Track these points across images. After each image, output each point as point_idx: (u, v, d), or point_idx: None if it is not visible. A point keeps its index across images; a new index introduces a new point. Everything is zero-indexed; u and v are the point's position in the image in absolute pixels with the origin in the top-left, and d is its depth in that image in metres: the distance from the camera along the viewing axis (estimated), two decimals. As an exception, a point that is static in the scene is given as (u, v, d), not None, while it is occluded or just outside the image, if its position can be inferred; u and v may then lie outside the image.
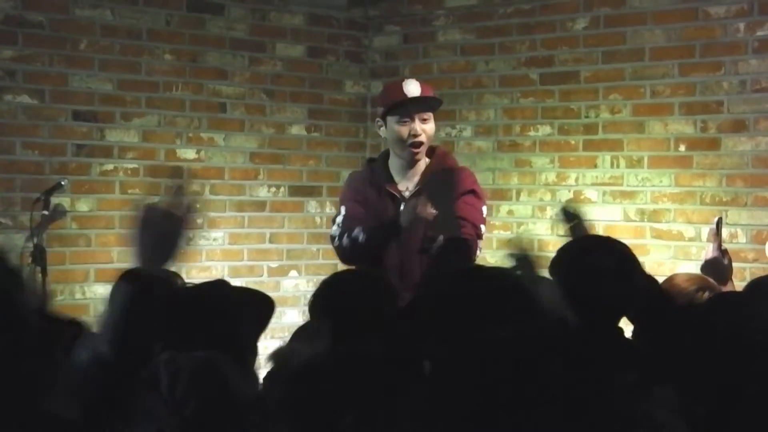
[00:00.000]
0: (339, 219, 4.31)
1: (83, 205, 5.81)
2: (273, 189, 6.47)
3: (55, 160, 5.72)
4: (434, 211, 3.99)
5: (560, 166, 5.99)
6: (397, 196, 4.21)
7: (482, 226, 4.17)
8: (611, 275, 2.88)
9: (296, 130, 6.57)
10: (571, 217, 3.53)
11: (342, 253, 4.28)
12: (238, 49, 6.33)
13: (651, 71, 5.63)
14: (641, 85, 5.67)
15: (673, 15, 5.56)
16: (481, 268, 2.70)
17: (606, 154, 5.80)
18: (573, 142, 5.94)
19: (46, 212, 5.52)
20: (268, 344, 3.30)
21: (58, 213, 5.67)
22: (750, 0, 5.32)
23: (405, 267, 4.12)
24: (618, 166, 5.76)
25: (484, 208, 4.23)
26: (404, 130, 4.16)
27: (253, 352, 2.65)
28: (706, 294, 3.64)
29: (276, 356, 2.76)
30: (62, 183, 5.61)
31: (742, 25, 5.35)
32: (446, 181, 4.20)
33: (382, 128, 4.27)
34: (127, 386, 2.08)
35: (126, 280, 2.57)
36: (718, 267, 3.75)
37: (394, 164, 4.29)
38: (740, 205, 5.34)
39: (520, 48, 6.13)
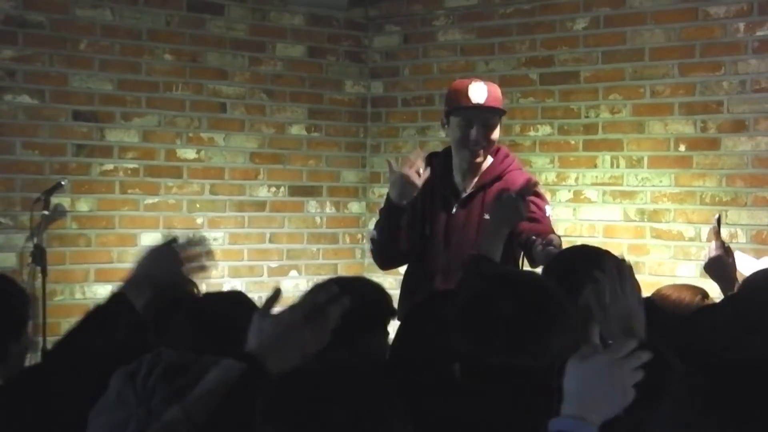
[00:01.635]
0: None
1: (83, 205, 5.81)
2: (273, 189, 6.47)
3: (55, 160, 5.73)
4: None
5: (560, 166, 5.99)
6: (451, 197, 4.14)
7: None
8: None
9: (296, 130, 6.58)
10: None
11: (373, 258, 4.25)
12: (238, 49, 6.33)
13: (651, 71, 5.63)
14: (641, 85, 5.67)
15: (673, 15, 5.56)
16: (523, 273, 2.62)
17: (606, 154, 5.80)
18: (573, 142, 5.94)
19: (46, 212, 5.52)
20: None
21: (58, 213, 5.67)
22: (750, 0, 5.32)
23: (451, 271, 3.99)
24: (618, 166, 5.76)
25: (548, 208, 4.10)
26: (464, 135, 4.08)
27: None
28: (708, 299, 3.61)
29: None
30: (62, 183, 5.62)
31: (741, 25, 5.35)
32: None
33: (446, 126, 4.18)
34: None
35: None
36: (722, 265, 3.66)
37: (456, 163, 4.19)
38: (740, 205, 5.34)
39: (520, 48, 6.13)
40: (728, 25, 5.38)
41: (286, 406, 1.76)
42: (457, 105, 4.10)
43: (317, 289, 2.14)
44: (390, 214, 4.07)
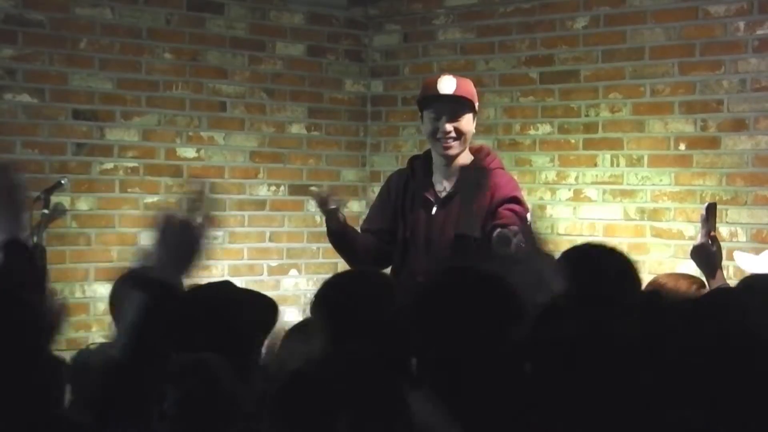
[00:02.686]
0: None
1: (83, 204, 5.81)
2: (273, 188, 6.47)
3: (55, 159, 5.72)
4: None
5: (560, 165, 5.99)
6: (431, 199, 4.17)
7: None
8: (614, 280, 2.91)
9: (296, 129, 6.57)
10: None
11: None
12: (238, 48, 6.33)
13: (651, 70, 5.63)
14: (641, 84, 5.67)
15: (673, 14, 5.56)
16: (471, 267, 2.64)
17: (606, 152, 5.80)
18: (573, 141, 5.94)
19: (46, 211, 5.52)
20: (267, 343, 3.30)
21: (58, 212, 5.67)
22: (750, -1, 5.33)
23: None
24: (618, 165, 5.76)
25: (528, 216, 4.07)
26: (434, 127, 4.12)
27: (257, 354, 2.64)
28: (704, 289, 3.63)
29: (272, 359, 2.76)
30: (62, 182, 5.61)
31: (742, 24, 5.35)
32: (480, 183, 4.14)
33: (421, 124, 4.27)
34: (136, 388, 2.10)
35: (133, 282, 2.57)
36: (704, 253, 3.65)
37: (435, 162, 4.23)
38: (740, 204, 5.34)
39: (520, 47, 6.13)
40: (728, 24, 5.38)
41: (291, 409, 1.75)
42: (426, 96, 4.17)
43: None
44: (331, 238, 4.31)
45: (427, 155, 4.28)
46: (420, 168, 4.25)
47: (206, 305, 2.74)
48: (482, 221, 4.05)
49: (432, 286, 2.45)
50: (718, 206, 5.14)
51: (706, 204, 3.77)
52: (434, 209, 4.15)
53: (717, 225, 3.86)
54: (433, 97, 4.14)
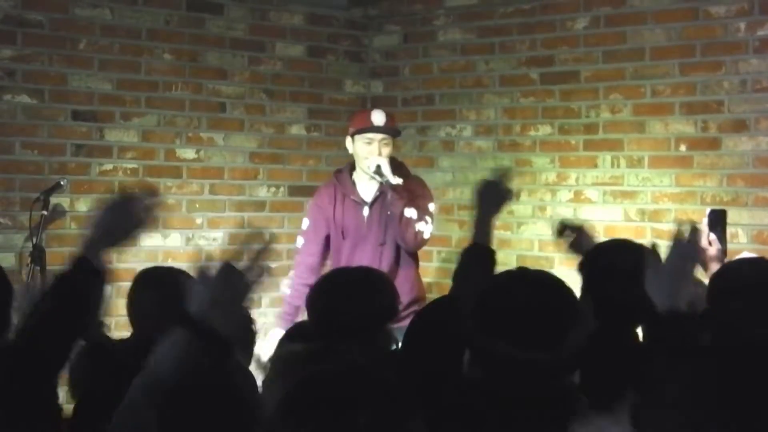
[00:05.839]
0: (299, 241, 5.34)
1: (82, 205, 5.80)
2: (273, 189, 6.46)
3: (55, 160, 5.71)
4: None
5: (560, 166, 5.98)
6: (359, 202, 5.08)
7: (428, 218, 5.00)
8: (628, 276, 2.90)
9: (296, 129, 6.57)
10: (567, 229, 3.65)
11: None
12: (237, 49, 6.32)
13: (651, 71, 5.62)
14: (642, 85, 5.66)
15: (674, 14, 5.55)
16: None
17: (606, 153, 5.79)
18: (573, 142, 5.93)
19: (45, 212, 5.51)
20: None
21: (58, 213, 5.66)
22: (750, -1, 5.32)
23: (355, 262, 4.97)
24: (618, 166, 5.75)
25: (431, 205, 5.05)
26: (367, 151, 4.99)
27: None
28: (699, 289, 3.65)
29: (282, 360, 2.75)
30: (61, 183, 5.60)
31: (742, 25, 5.34)
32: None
33: (350, 145, 5.08)
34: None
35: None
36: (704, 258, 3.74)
37: (358, 174, 5.11)
38: (741, 205, 5.33)
39: (520, 48, 6.12)
40: (729, 25, 5.38)
41: (308, 408, 1.74)
42: (361, 126, 5.01)
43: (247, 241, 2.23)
44: None
45: (350, 167, 5.14)
46: (345, 179, 5.11)
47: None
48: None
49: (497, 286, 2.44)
50: (719, 207, 5.14)
51: (709, 210, 3.83)
52: (366, 210, 5.05)
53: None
54: (368, 127, 5.00)
